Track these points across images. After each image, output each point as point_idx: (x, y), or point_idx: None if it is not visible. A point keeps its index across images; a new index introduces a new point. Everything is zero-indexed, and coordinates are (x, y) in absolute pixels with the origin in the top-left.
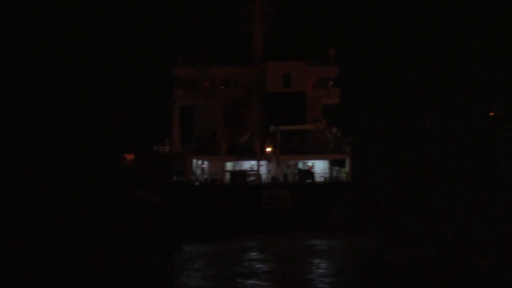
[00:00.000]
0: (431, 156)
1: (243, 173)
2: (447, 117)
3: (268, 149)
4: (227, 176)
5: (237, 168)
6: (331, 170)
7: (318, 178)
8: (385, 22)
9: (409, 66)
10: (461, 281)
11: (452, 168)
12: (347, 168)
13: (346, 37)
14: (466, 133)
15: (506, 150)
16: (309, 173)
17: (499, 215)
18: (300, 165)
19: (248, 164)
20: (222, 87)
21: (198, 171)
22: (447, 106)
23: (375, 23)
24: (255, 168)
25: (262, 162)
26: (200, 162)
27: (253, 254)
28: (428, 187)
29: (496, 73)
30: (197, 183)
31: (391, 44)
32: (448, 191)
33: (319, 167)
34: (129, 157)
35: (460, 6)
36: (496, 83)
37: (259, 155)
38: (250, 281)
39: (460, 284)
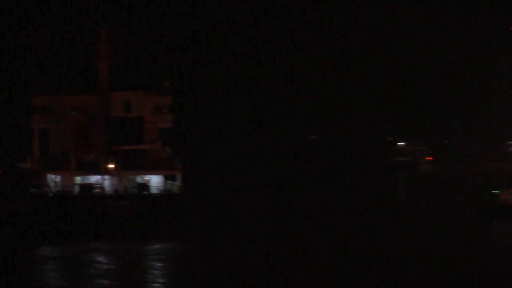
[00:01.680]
0: (247, 173)
1: (90, 186)
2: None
3: (111, 166)
4: (76, 188)
5: (85, 181)
6: (165, 183)
7: (154, 190)
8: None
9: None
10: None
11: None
12: (178, 182)
13: (179, 72)
14: (286, 154)
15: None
16: (145, 186)
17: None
18: (139, 179)
19: (94, 178)
20: (73, 113)
21: (52, 184)
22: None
23: (204, 59)
24: (100, 182)
25: (106, 177)
26: (54, 176)
27: (100, 256)
28: (245, 199)
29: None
30: (50, 194)
31: (217, 76)
32: (261, 200)
33: (155, 181)
34: None
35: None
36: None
37: (103, 171)
38: (100, 281)
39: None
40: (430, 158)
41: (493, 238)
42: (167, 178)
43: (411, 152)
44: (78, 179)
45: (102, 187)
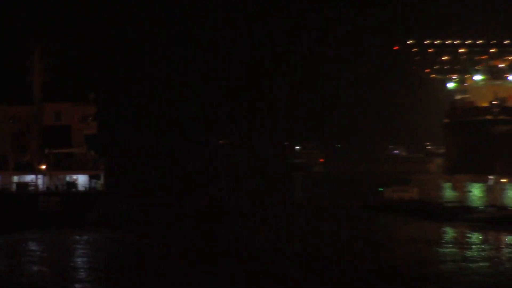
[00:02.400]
0: (166, 173)
1: (25, 184)
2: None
3: (44, 166)
4: (14, 186)
5: (21, 180)
6: (90, 182)
7: (81, 188)
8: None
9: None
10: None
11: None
12: (101, 181)
13: (102, 85)
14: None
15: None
16: (73, 184)
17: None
18: (67, 178)
19: (29, 178)
20: (11, 121)
21: None
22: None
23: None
24: (35, 181)
25: (40, 176)
26: None
27: (34, 245)
28: (162, 195)
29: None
30: None
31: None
32: (175, 197)
33: (81, 180)
34: None
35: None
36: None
37: (37, 171)
38: (34, 266)
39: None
40: (323, 160)
41: (377, 228)
42: (91, 177)
43: (306, 155)
44: (15, 178)
45: (36, 185)
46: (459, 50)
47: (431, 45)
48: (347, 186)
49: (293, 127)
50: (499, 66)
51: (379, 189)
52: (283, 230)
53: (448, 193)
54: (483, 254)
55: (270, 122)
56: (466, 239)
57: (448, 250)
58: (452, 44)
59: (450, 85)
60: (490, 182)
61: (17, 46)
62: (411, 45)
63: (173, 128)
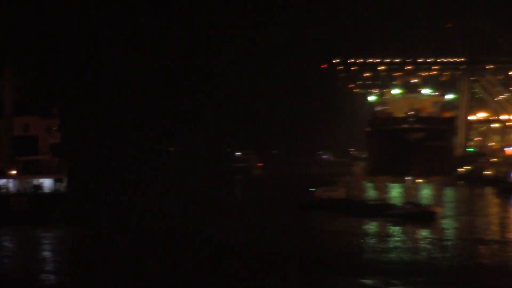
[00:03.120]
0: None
1: None
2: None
3: (14, 172)
4: None
5: None
6: (54, 185)
7: (46, 190)
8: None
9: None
10: None
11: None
12: (64, 183)
13: (66, 100)
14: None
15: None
16: (40, 187)
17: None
18: (35, 182)
19: (1, 181)
20: None
21: None
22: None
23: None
24: (6, 184)
25: (10, 180)
26: None
27: (6, 241)
28: (118, 197)
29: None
30: None
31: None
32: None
33: (47, 183)
34: None
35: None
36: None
37: (8, 176)
38: (6, 260)
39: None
40: (261, 164)
41: (309, 223)
42: (56, 180)
43: (246, 160)
44: None
45: (7, 188)
46: (379, 68)
47: (355, 64)
48: (283, 187)
49: (235, 135)
50: (413, 81)
51: (311, 189)
52: (223, 224)
53: (371, 192)
54: (402, 245)
55: (215, 132)
56: (387, 232)
57: (372, 241)
58: (372, 63)
59: (371, 98)
60: (407, 183)
61: None
62: (337, 64)
63: (129, 137)
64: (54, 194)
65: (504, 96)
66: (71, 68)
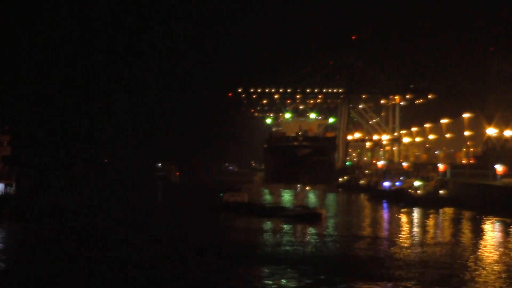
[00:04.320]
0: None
1: None
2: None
3: None
4: None
5: None
6: (5, 188)
7: None
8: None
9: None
10: None
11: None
12: (14, 187)
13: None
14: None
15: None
16: None
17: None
18: None
19: None
20: None
21: None
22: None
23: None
24: None
25: None
26: None
27: None
28: (60, 200)
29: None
30: None
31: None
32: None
33: (0, 187)
34: None
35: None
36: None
37: None
38: None
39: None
40: (178, 173)
41: (217, 223)
42: (6, 185)
43: (165, 169)
44: None
45: None
46: (274, 96)
47: (255, 92)
48: (196, 192)
49: (157, 149)
50: (302, 107)
51: (219, 194)
52: (143, 223)
53: (268, 197)
54: (293, 240)
55: (140, 146)
56: (282, 230)
57: (269, 237)
58: (269, 92)
59: (268, 121)
60: (297, 189)
61: None
62: (241, 92)
63: (69, 149)
64: (4, 196)
65: (375, 120)
66: (20, 93)
